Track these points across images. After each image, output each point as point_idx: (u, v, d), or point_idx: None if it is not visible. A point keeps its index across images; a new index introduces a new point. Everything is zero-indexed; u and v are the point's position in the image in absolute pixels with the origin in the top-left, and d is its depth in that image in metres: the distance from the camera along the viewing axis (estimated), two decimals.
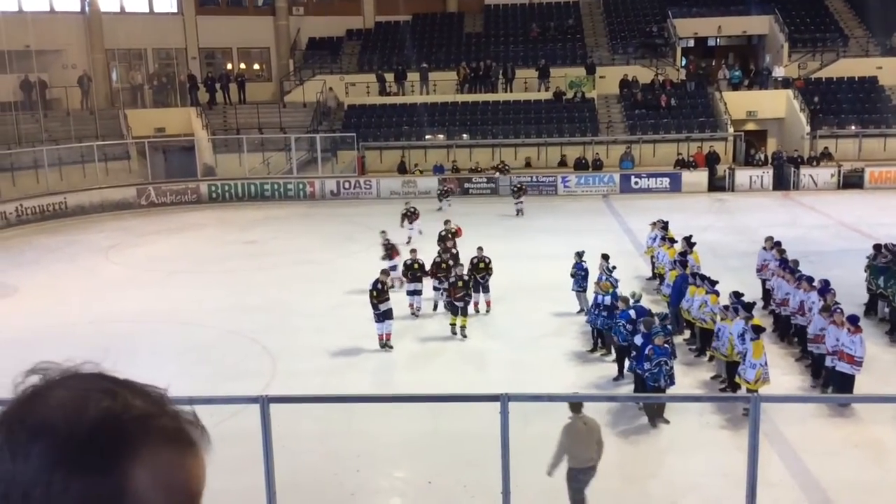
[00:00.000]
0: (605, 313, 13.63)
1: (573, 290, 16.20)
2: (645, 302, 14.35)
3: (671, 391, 11.44)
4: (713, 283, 13.97)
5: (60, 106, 35.21)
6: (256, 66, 41.96)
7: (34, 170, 30.44)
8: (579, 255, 16.07)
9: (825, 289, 13.09)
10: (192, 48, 39.63)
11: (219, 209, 31.47)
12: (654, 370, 10.94)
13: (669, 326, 12.46)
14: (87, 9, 36.71)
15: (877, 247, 16.01)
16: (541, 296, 16.96)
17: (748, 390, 10.96)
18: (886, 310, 15.03)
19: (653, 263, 18.82)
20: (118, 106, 36.32)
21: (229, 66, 40.67)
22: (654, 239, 18.51)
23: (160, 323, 16.85)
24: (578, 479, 8.02)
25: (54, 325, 16.68)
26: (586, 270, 15.76)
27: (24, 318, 17.37)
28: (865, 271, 15.99)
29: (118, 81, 38.33)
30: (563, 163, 33.73)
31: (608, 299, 13.55)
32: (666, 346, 11.08)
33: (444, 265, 16.46)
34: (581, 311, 16.30)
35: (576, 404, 8.94)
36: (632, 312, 12.60)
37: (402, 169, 33.70)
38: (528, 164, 34.17)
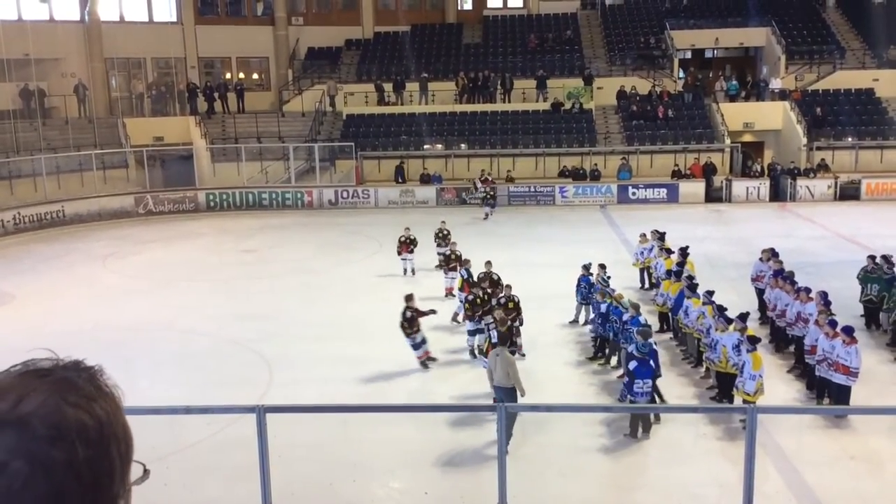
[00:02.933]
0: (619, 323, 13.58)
1: (578, 301, 16.27)
2: (642, 312, 14.33)
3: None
4: (709, 293, 14.00)
5: (59, 114, 35.26)
6: (255, 76, 42.09)
7: (32, 178, 30.42)
8: (586, 267, 16.15)
9: (824, 301, 13.11)
10: (192, 57, 39.76)
11: (217, 218, 31.48)
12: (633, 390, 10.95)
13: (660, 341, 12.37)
14: (86, 17, 36.80)
15: (871, 257, 16.08)
16: (539, 305, 16.92)
17: (745, 401, 10.96)
18: (892, 317, 14.91)
19: (645, 275, 18.86)
20: (117, 114, 36.39)
21: (228, 76, 40.81)
22: (650, 250, 18.54)
23: (157, 331, 16.85)
24: (493, 389, 11.25)
25: (51, 333, 16.65)
26: (591, 284, 15.81)
27: (21, 326, 17.35)
28: (861, 284, 15.99)
29: (117, 90, 38.42)
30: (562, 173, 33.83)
31: (625, 315, 13.43)
32: (649, 363, 11.03)
33: (478, 300, 14.72)
34: (574, 321, 16.36)
35: (502, 339, 11.66)
36: (642, 318, 12.72)
37: (424, 179, 33.65)
38: (579, 175, 33.85)
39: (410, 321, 14.02)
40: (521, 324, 14.50)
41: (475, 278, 16.02)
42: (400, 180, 33.71)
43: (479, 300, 14.63)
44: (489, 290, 15.14)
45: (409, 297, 14.32)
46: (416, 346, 14.17)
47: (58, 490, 1.13)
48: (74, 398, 1.19)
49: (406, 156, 34.76)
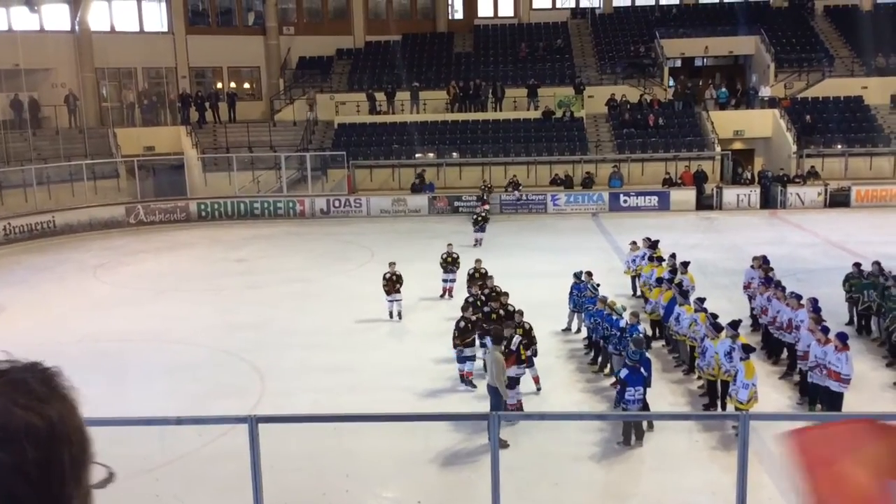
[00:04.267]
0: (605, 329, 13.58)
1: (570, 308, 16.28)
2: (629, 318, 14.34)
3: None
4: (700, 300, 14.03)
5: (49, 124, 35.21)
6: (247, 85, 42.10)
7: (23, 188, 30.33)
8: (577, 275, 16.16)
9: (814, 308, 13.15)
10: (183, 67, 39.77)
11: (208, 227, 31.42)
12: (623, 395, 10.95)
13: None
14: (77, 28, 36.79)
15: (857, 265, 16.15)
16: (533, 314, 16.92)
17: (737, 409, 10.98)
18: (884, 324, 14.87)
19: (637, 282, 18.89)
20: (108, 124, 36.33)
21: (219, 85, 40.82)
22: (643, 257, 18.57)
23: (149, 342, 16.77)
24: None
25: (42, 344, 16.54)
26: (581, 291, 15.84)
27: (11, 337, 17.22)
28: (847, 290, 16.03)
29: (108, 100, 38.37)
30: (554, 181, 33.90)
31: (621, 322, 13.36)
32: (640, 371, 11.05)
33: (494, 315, 14.06)
34: (567, 328, 16.38)
35: (497, 338, 11.51)
36: (641, 326, 12.68)
37: (416, 188, 33.64)
38: (567, 182, 34.04)
39: (463, 332, 13.59)
40: (534, 354, 13.28)
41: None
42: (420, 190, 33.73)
43: (469, 326, 13.77)
44: (475, 317, 14.29)
45: (465, 307, 14.28)
46: (461, 359, 13.60)
47: (6, 492, 1.14)
48: (25, 400, 1.19)
49: (398, 164, 34.82)
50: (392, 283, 17.44)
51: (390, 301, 17.56)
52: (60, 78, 36.57)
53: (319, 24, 42.56)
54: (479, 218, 26.13)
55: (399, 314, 17.60)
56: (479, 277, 17.00)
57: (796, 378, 13.16)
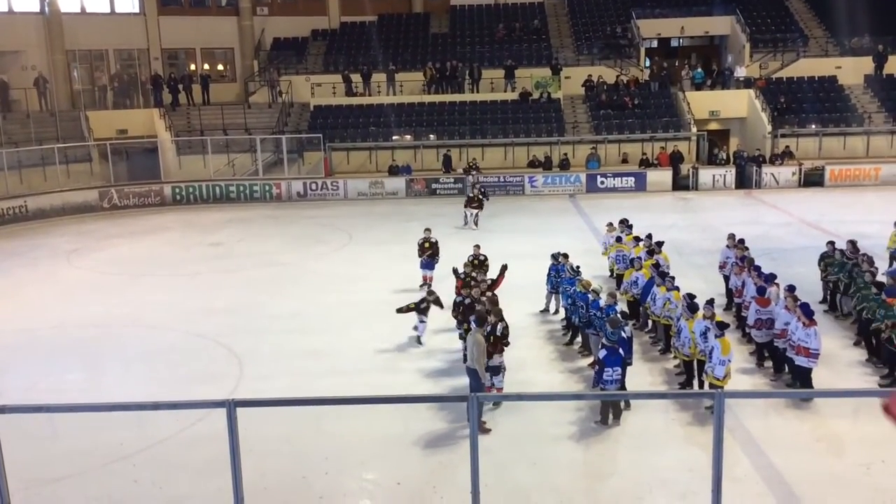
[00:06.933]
0: (583, 311, 13.62)
1: (548, 289, 16.33)
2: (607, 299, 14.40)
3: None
4: (671, 279, 14.13)
5: (20, 108, 34.67)
6: (220, 67, 41.62)
7: None
8: (554, 256, 16.20)
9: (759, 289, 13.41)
10: (155, 48, 39.23)
11: (183, 211, 31.16)
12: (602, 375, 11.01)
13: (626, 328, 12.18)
14: (46, 9, 36.14)
15: (830, 243, 16.34)
16: (511, 295, 16.98)
17: (711, 386, 11.10)
18: (852, 302, 15.03)
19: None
20: (79, 107, 35.82)
21: (192, 67, 40.31)
22: (620, 239, 18.61)
23: (125, 327, 16.64)
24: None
25: (16, 331, 16.40)
26: (559, 272, 15.89)
27: None
28: (823, 270, 16.21)
29: (79, 82, 37.81)
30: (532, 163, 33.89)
31: (600, 303, 13.33)
32: (619, 352, 11.12)
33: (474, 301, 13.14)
34: (545, 310, 16.44)
35: (480, 320, 11.38)
36: (618, 307, 12.75)
37: (393, 171, 33.40)
38: (544, 164, 34.10)
39: (455, 307, 13.48)
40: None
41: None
42: (445, 171, 33.39)
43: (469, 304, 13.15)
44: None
45: (466, 284, 13.92)
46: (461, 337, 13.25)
47: None
48: None
49: (375, 147, 34.66)
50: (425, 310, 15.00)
51: (421, 323, 14.95)
52: (30, 60, 35.94)
53: (294, 4, 42.11)
54: (427, 244, 18.80)
55: (419, 339, 14.98)
56: (478, 264, 16.69)
57: (767, 359, 13.35)
